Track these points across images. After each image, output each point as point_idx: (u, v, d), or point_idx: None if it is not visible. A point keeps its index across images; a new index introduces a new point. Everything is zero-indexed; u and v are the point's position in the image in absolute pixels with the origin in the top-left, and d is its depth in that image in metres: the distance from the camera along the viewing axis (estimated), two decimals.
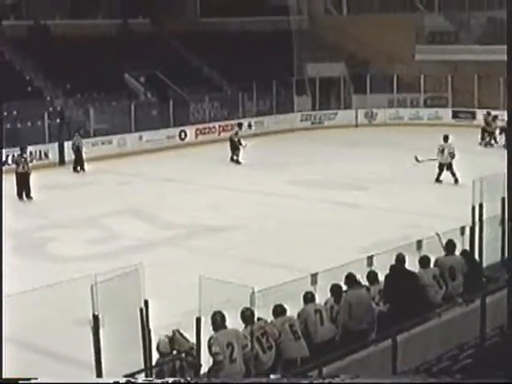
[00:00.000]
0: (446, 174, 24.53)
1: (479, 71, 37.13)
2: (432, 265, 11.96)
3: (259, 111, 37.42)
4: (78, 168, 28.44)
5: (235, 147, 29.52)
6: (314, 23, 43.36)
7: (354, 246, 17.02)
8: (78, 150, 28.67)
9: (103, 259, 17.12)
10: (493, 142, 31.50)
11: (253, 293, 9.61)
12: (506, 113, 32.65)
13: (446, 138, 25.07)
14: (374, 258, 11.82)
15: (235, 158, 29.34)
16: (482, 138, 31.93)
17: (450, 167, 24.49)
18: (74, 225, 20.84)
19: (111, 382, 6.08)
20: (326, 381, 6.98)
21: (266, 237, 19.33)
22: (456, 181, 24.09)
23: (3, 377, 7.21)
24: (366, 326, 10.69)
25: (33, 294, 12.50)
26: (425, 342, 10.19)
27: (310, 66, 39.83)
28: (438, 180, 24.64)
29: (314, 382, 7.15)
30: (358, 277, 11.20)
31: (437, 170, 24.62)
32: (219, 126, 35.30)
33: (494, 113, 32.71)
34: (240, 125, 31.40)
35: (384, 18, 40.41)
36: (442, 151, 24.65)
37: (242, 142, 29.69)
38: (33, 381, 6.09)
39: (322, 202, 22.74)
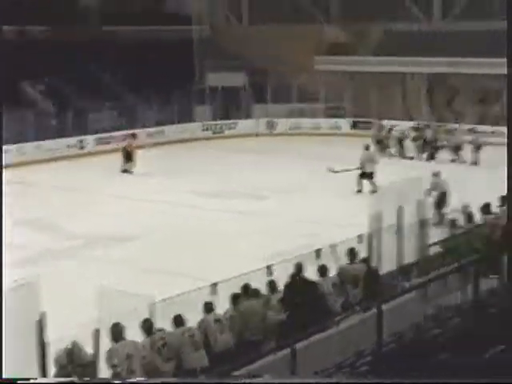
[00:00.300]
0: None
1: (376, 82, 37.87)
2: (336, 272, 12.11)
3: (159, 120, 37.23)
4: None
5: (129, 157, 29.05)
6: (215, 32, 43.53)
7: (255, 255, 17.07)
8: None
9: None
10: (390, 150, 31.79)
11: (153, 303, 9.57)
12: (401, 122, 33.74)
13: (367, 147, 26.04)
14: (274, 267, 11.91)
15: (127, 168, 28.83)
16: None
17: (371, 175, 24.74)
18: None
19: (111, 381, 6.00)
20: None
21: (167, 246, 19.23)
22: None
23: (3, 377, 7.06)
24: (261, 336, 10.74)
25: None
26: (324, 349, 10.28)
27: (210, 76, 39.92)
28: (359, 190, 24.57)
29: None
30: (259, 286, 11.27)
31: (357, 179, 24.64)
32: (119, 135, 35.02)
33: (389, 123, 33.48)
34: (134, 135, 30.72)
35: (284, 28, 40.80)
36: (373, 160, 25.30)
37: (138, 152, 29.28)
38: (32, 381, 6.01)
39: (223, 211, 22.77)
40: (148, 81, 36.26)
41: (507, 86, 12.03)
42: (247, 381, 7.77)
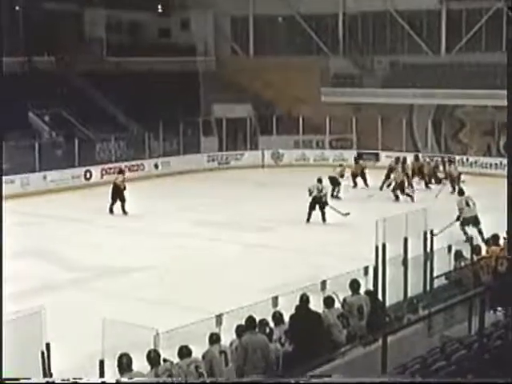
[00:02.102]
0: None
1: (382, 114, 37.99)
2: (340, 304, 12.07)
3: (166, 152, 37.37)
4: None
5: (118, 193, 27.20)
6: (221, 64, 43.74)
7: (260, 286, 17.03)
8: None
9: (5, 301, 16.70)
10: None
11: (157, 334, 9.54)
12: (408, 154, 33.73)
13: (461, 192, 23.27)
14: (280, 298, 11.87)
15: (115, 206, 27.04)
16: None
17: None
18: None
19: (112, 382, 5.98)
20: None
21: (173, 278, 19.20)
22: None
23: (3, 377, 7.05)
24: (262, 371, 10.66)
25: None
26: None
27: (216, 107, 40.09)
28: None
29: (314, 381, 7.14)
30: (264, 318, 11.23)
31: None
32: (125, 166, 35.07)
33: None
34: (121, 171, 28.84)
35: (290, 60, 41.02)
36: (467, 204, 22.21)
37: (126, 186, 27.46)
38: (33, 380, 5.99)
39: (228, 243, 22.75)
40: (154, 112, 36.40)
41: (507, 118, 12.07)
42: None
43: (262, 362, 10.68)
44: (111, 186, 27.57)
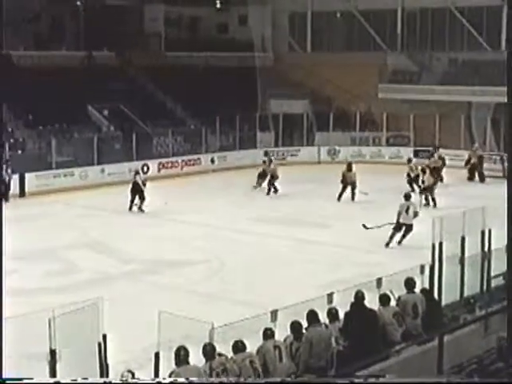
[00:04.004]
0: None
1: (440, 111, 37.62)
2: (394, 302, 11.98)
3: (222, 146, 37.50)
4: (7, 198, 28.45)
5: (138, 192, 26.92)
6: (279, 60, 43.73)
7: (314, 283, 17.02)
8: (2, 180, 28.59)
9: (62, 293, 16.95)
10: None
11: (212, 328, 9.57)
12: (465, 152, 33.30)
13: (407, 197, 22.47)
14: (335, 295, 11.82)
15: (137, 205, 26.86)
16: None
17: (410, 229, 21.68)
18: (31, 257, 20.61)
19: (113, 381, 6.03)
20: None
21: (227, 273, 19.29)
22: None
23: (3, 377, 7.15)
24: (325, 363, 10.67)
25: None
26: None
27: (273, 103, 40.09)
28: (389, 242, 21.79)
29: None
30: (319, 314, 11.19)
31: (391, 231, 21.84)
32: (182, 161, 35.34)
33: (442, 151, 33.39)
34: (143, 167, 28.87)
35: (347, 56, 40.87)
36: (407, 210, 21.82)
37: (146, 184, 27.27)
38: (34, 381, 6.05)
39: (283, 238, 22.75)
40: (212, 107, 36.56)
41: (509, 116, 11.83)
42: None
43: (326, 353, 10.67)
44: (132, 184, 27.27)
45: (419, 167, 29.73)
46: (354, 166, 29.10)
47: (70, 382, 7.28)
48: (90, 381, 8.24)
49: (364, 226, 22.84)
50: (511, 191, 10.10)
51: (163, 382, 6.85)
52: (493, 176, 31.55)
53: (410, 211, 21.70)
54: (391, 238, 21.71)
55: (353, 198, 27.89)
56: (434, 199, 26.91)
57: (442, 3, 40.60)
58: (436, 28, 41.93)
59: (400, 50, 42.41)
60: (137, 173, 28.03)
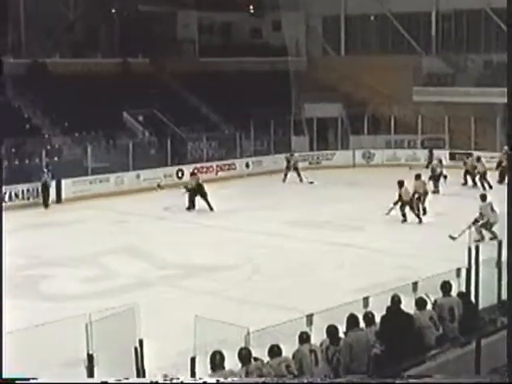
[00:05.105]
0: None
1: (476, 113, 37.36)
2: (430, 306, 11.91)
3: (257, 151, 37.53)
4: (48, 204, 28.84)
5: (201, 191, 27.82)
6: (312, 64, 43.70)
7: (349, 286, 16.98)
8: (44, 187, 28.85)
9: (98, 298, 17.06)
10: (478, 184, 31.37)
11: (248, 333, 9.58)
12: (501, 154, 33.01)
13: (484, 197, 22.38)
14: (370, 299, 11.78)
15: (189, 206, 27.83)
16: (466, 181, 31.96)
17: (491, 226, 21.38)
18: (69, 263, 20.77)
19: (113, 381, 6.04)
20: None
21: (262, 277, 19.29)
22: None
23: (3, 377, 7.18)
24: (366, 367, 10.64)
25: (27, 333, 12.43)
26: None
27: (307, 107, 40.04)
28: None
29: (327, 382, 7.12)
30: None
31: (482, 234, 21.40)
32: (216, 166, 35.42)
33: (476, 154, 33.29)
34: (178, 173, 29.66)
35: (381, 59, 40.76)
36: (492, 209, 21.63)
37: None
38: (32, 381, 6.06)
39: (318, 242, 22.71)
40: (246, 111, 36.62)
41: (508, 115, 11.69)
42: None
43: (366, 357, 10.65)
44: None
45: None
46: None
47: (77, 382, 7.33)
48: (92, 381, 8.29)
49: (451, 236, 21.27)
50: (511, 191, 10.02)
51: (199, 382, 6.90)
52: None
53: (495, 208, 21.43)
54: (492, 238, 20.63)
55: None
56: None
57: (476, 5, 40.33)
58: (471, 30, 41.68)
59: (435, 53, 42.22)
60: (193, 174, 29.23)
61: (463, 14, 41.69)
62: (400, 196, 24.94)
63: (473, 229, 20.73)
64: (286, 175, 34.19)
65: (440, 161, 32.16)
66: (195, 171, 31.06)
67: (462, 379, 7.66)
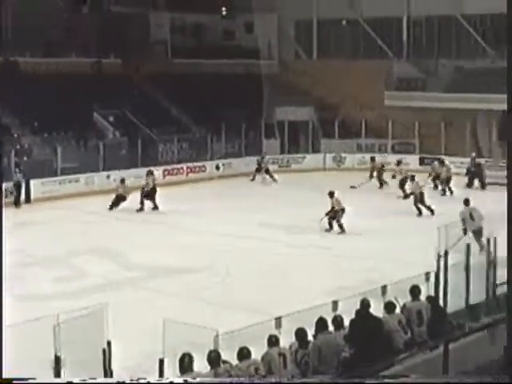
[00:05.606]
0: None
1: (446, 119, 37.60)
2: (399, 309, 11.96)
3: (228, 153, 37.51)
4: (19, 203, 28.76)
5: (118, 201, 28.22)
6: (284, 67, 43.77)
7: (319, 289, 17.01)
8: (17, 187, 28.71)
9: (67, 298, 16.97)
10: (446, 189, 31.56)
11: (216, 336, 9.56)
12: (469, 160, 33.27)
13: (467, 202, 21.86)
14: (340, 302, 11.81)
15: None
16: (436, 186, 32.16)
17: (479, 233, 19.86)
18: (37, 263, 20.65)
19: (114, 381, 6.01)
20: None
21: (232, 279, 19.28)
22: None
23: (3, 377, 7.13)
24: (334, 370, 10.66)
25: None
26: None
27: (279, 110, 40.08)
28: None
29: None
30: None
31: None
32: (187, 168, 35.36)
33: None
34: (123, 180, 29.08)
35: (353, 63, 40.94)
36: (471, 216, 20.95)
37: (127, 196, 28.35)
38: (31, 381, 6.03)
39: (287, 245, 22.73)
40: (217, 114, 36.60)
41: (506, 120, 11.80)
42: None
43: (335, 360, 10.67)
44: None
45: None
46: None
47: (77, 382, 7.28)
48: (93, 381, 8.24)
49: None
50: (511, 191, 10.10)
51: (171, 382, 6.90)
52: (494, 183, 31.38)
53: (475, 216, 20.91)
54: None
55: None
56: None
57: (447, 11, 40.58)
58: (442, 35, 41.95)
59: (406, 58, 42.44)
60: (151, 173, 29.25)
61: (434, 19, 41.95)
62: (333, 207, 24.82)
63: None
64: (254, 176, 34.96)
65: (442, 162, 32.84)
66: (151, 170, 30.57)
67: (437, 379, 7.69)
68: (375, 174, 33.50)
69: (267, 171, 35.01)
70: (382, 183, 33.16)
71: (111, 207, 28.08)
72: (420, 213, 26.78)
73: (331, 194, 24.93)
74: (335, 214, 24.57)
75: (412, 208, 26.97)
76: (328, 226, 24.57)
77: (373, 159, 34.70)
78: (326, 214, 24.57)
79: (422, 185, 28.10)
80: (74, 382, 6.65)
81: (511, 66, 11.27)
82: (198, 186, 33.32)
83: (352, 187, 31.33)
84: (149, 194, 28.32)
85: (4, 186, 28.75)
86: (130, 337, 13.68)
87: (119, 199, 28.33)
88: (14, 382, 6.12)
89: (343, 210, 24.59)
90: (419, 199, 27.17)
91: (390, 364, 10.60)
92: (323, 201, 28.55)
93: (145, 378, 7.12)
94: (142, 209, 28.09)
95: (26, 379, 6.09)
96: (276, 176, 34.74)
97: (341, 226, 24.37)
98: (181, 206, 28.41)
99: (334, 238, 23.73)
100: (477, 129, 38.72)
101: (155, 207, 28.18)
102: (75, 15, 41.21)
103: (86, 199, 29.98)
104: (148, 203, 28.21)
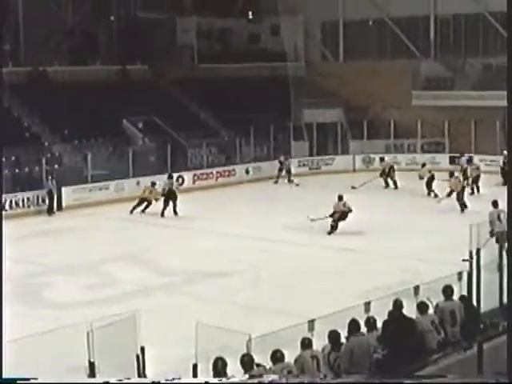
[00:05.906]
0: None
1: (475, 117, 37.36)
2: (432, 309, 11.90)
3: (257, 157, 37.52)
4: (52, 211, 28.95)
5: (172, 197, 28.31)
6: (311, 70, 43.67)
7: (351, 291, 16.97)
8: (50, 194, 28.89)
9: (100, 305, 17.06)
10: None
11: (249, 339, 9.57)
12: (502, 158, 32.99)
13: (496, 204, 21.28)
14: (372, 303, 11.77)
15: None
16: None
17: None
18: (70, 270, 20.78)
19: (149, 381, 6.03)
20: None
21: (264, 283, 19.29)
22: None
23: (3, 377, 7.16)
24: (367, 372, 10.62)
25: (29, 341, 12.42)
26: None
27: (306, 112, 40.04)
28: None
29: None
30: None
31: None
32: (216, 172, 35.41)
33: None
34: (153, 184, 29.33)
35: (380, 64, 40.77)
36: (499, 219, 20.24)
37: (154, 200, 28.56)
38: (32, 381, 6.05)
39: (320, 247, 22.73)
40: (245, 117, 36.62)
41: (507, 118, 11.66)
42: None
43: (367, 362, 10.64)
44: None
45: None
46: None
47: (76, 382, 7.32)
48: (93, 381, 8.27)
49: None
50: (511, 191, 10.03)
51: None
52: None
53: (502, 218, 20.01)
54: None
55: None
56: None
57: (474, 9, 40.34)
58: (469, 33, 41.67)
59: (433, 57, 42.21)
60: (170, 177, 29.27)
61: (461, 17, 41.69)
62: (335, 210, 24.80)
63: None
64: (278, 178, 35.07)
65: (470, 160, 32.87)
66: (171, 174, 30.49)
67: (473, 379, 7.62)
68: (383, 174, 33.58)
69: (289, 172, 35.11)
70: (387, 184, 33.17)
71: (132, 210, 28.28)
72: (463, 209, 26.95)
73: (340, 198, 24.86)
74: (340, 216, 24.56)
75: (436, 206, 26.82)
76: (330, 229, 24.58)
77: (382, 159, 34.71)
78: (331, 216, 24.56)
79: (460, 180, 28.18)
80: (111, 382, 6.68)
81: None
82: (227, 191, 33.37)
83: (353, 188, 31.23)
84: (167, 198, 28.32)
85: (36, 193, 29.09)
86: (164, 342, 13.74)
87: (142, 202, 28.45)
88: (17, 382, 6.16)
89: (346, 213, 24.64)
90: (461, 196, 27.42)
91: (424, 365, 10.56)
92: (354, 202, 28.54)
93: (179, 378, 7.14)
94: (162, 213, 28.06)
95: (28, 379, 6.12)
96: (296, 180, 34.71)
97: (332, 227, 24.49)
98: (212, 211, 28.46)
99: (366, 239, 23.66)
100: (505, 126, 38.39)
101: (174, 212, 28.12)
102: (101, 22, 41.49)
103: (115, 206, 30.11)
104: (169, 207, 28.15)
